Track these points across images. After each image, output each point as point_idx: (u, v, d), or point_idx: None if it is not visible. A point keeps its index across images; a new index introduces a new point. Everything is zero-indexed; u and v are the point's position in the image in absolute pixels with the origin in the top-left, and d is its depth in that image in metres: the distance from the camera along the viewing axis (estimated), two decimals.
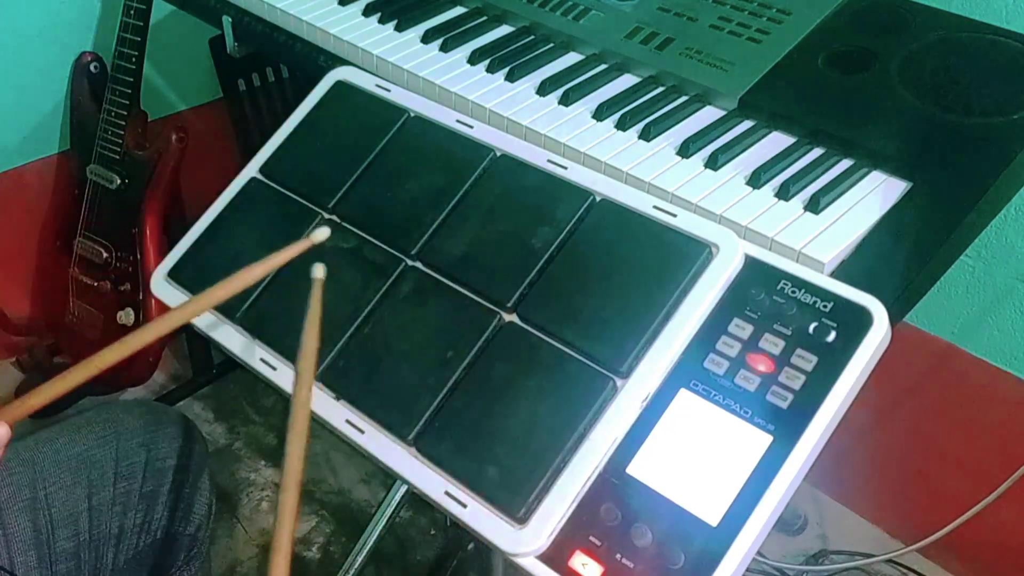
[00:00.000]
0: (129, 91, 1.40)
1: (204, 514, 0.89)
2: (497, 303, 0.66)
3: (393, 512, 1.24)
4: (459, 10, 1.01)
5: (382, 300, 0.69)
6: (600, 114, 0.83)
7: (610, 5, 0.95)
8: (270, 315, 0.71)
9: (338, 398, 0.66)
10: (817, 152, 0.78)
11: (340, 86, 0.82)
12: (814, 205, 0.72)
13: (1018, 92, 0.76)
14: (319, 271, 0.67)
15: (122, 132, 1.43)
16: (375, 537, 1.23)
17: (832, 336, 0.58)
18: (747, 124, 0.82)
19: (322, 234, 0.70)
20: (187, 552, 0.88)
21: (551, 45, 0.94)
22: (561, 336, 0.62)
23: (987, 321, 1.16)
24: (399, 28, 0.98)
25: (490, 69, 0.91)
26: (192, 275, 0.77)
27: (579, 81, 0.88)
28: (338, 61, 0.98)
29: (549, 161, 0.71)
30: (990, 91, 0.77)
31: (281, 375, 0.69)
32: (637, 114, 0.83)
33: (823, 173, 0.75)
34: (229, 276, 0.65)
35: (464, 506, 0.59)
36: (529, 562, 0.56)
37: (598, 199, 0.68)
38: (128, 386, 1.59)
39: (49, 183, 1.59)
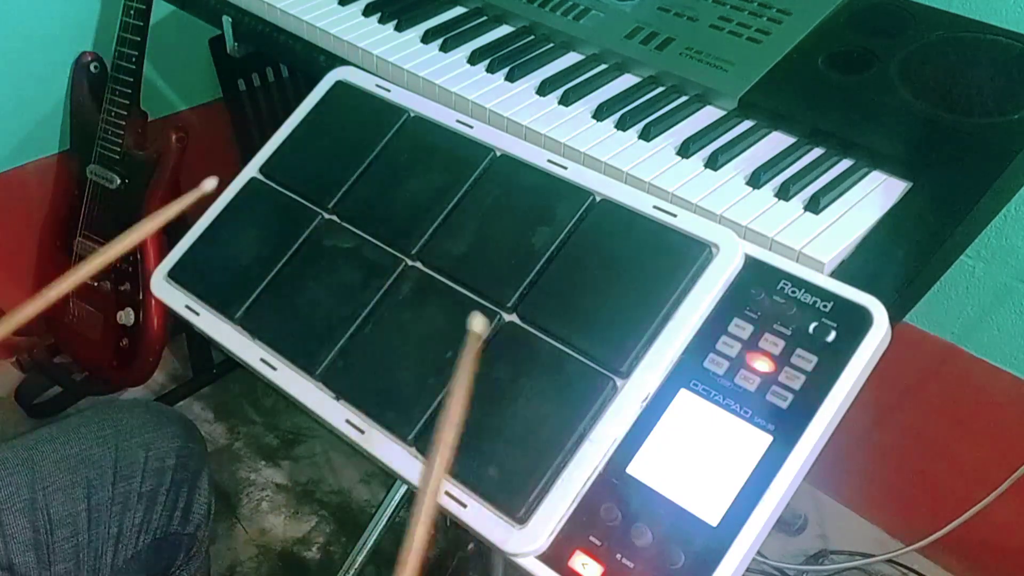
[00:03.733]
0: (129, 91, 1.40)
1: (203, 514, 0.89)
2: (497, 303, 0.65)
3: (393, 512, 1.24)
4: (459, 10, 1.01)
5: (382, 300, 0.69)
6: (600, 114, 0.83)
7: (610, 5, 0.95)
8: (270, 315, 0.71)
9: (338, 398, 0.66)
10: (817, 152, 0.78)
11: (340, 86, 0.82)
12: (814, 205, 0.72)
13: (1018, 92, 0.76)
14: (477, 324, 0.56)
15: (122, 132, 1.43)
16: (375, 537, 1.23)
17: (832, 336, 0.58)
18: (747, 124, 0.82)
19: (211, 184, 0.59)
20: (187, 552, 0.88)
21: (551, 45, 0.94)
22: (561, 336, 0.62)
23: (987, 321, 1.16)
24: (399, 28, 0.98)
25: (490, 69, 0.91)
26: (192, 275, 0.76)
27: (579, 81, 0.88)
28: (338, 61, 0.98)
29: (549, 161, 0.71)
30: (990, 91, 0.77)
31: (281, 375, 0.69)
32: (637, 114, 0.83)
33: (823, 173, 0.75)
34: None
35: (464, 506, 0.59)
36: (529, 562, 0.56)
37: (598, 199, 0.68)
38: (128, 386, 1.59)
39: (49, 183, 1.59)
